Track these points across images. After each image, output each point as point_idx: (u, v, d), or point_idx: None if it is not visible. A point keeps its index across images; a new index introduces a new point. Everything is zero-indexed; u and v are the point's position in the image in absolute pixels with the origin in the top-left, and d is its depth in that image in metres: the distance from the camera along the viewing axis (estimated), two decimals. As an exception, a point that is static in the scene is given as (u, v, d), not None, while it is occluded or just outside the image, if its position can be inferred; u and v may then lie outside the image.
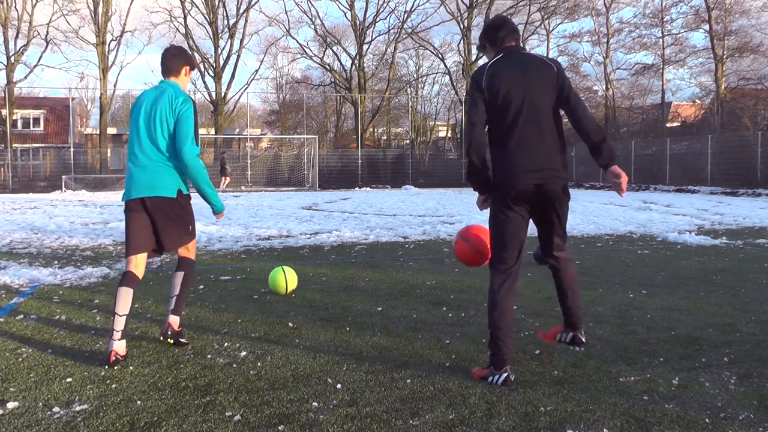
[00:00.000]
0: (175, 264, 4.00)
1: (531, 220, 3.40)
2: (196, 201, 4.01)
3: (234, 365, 3.49)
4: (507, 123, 3.22)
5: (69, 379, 3.24)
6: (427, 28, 55.75)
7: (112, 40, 35.97)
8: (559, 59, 40.44)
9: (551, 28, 41.18)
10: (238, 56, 38.79)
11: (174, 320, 3.82)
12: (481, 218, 12.32)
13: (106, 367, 3.43)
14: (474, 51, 39.67)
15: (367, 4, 41.11)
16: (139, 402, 2.94)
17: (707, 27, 33.29)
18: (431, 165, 38.74)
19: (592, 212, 14.36)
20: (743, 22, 33.64)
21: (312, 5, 47.11)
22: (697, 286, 5.76)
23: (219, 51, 37.48)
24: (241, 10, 38.09)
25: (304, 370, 3.41)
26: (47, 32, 34.35)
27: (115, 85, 39.38)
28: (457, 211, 15.14)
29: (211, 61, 37.43)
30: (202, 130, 38.68)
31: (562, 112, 3.38)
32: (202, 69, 37.83)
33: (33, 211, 15.26)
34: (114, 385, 3.16)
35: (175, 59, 3.82)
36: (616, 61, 46.81)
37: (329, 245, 8.79)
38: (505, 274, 3.29)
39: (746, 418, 2.78)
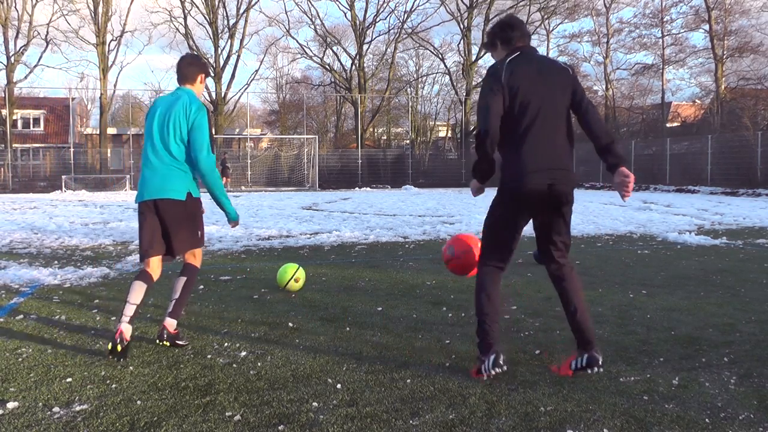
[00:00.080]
0: (179, 266, 4.03)
1: (534, 225, 3.37)
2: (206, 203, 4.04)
3: (234, 365, 3.49)
4: (523, 124, 3.19)
5: (69, 379, 3.24)
6: (427, 28, 55.79)
7: (112, 40, 36.05)
8: (559, 59, 40.47)
9: (551, 28, 41.22)
10: (238, 56, 38.86)
11: (170, 323, 3.82)
12: (483, 218, 12.33)
13: (110, 346, 3.53)
14: (474, 51, 39.71)
15: (367, 4, 41.16)
16: (139, 402, 2.94)
17: (707, 27, 33.31)
18: (431, 165, 38.76)
19: (592, 212, 14.36)
20: (743, 22, 33.71)
21: (312, 5, 47.15)
22: (697, 286, 5.76)
23: (219, 51, 37.51)
24: (241, 10, 38.14)
25: (304, 370, 3.41)
26: (47, 32, 34.42)
27: (115, 85, 39.47)
28: (457, 211, 15.14)
29: (211, 61, 37.42)
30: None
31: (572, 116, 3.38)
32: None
33: (33, 211, 15.26)
34: (114, 385, 3.16)
35: (190, 67, 3.95)
36: (616, 61, 46.82)
37: (329, 245, 8.79)
38: (494, 268, 3.36)
39: (746, 418, 2.78)
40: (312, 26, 42.13)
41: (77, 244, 8.91)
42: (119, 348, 3.51)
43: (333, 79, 43.69)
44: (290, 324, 4.38)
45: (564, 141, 3.26)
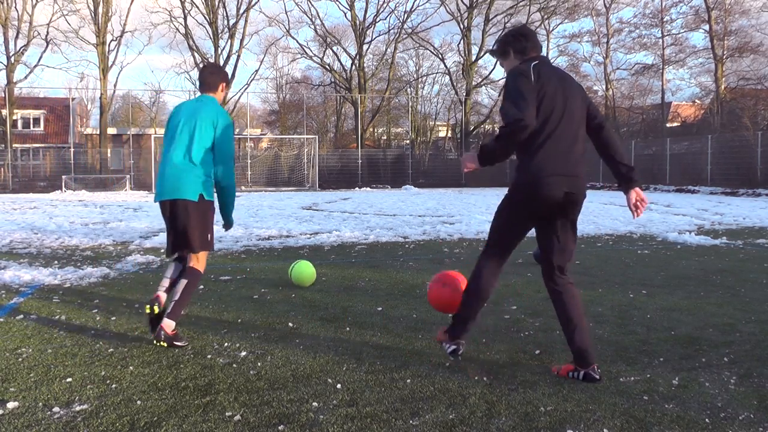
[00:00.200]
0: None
1: (538, 235, 3.36)
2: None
3: (234, 365, 3.49)
4: (546, 128, 3.15)
5: (69, 379, 3.24)
6: (427, 28, 55.78)
7: (112, 40, 36.00)
8: (559, 59, 40.57)
9: (551, 29, 41.17)
10: (238, 56, 38.81)
11: (167, 324, 3.81)
12: (483, 218, 12.33)
13: (147, 309, 3.88)
14: (474, 51, 39.72)
15: (367, 4, 41.13)
16: (139, 402, 2.94)
17: (707, 27, 33.31)
18: (431, 165, 38.74)
19: (592, 212, 14.36)
20: (743, 22, 33.71)
21: (312, 5, 47.06)
22: (697, 286, 5.76)
23: (219, 51, 37.47)
24: (241, 11, 38.09)
25: (304, 370, 3.41)
26: (47, 32, 34.37)
27: (115, 86, 39.41)
28: (457, 211, 15.14)
29: (212, 61, 37.42)
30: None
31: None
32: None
33: (33, 211, 15.26)
34: (114, 385, 3.16)
35: (212, 76, 4.18)
36: (616, 61, 46.85)
37: (329, 245, 8.79)
38: (494, 262, 3.38)
39: (746, 418, 2.78)
40: (312, 26, 42.14)
41: (77, 244, 8.91)
42: (156, 309, 3.88)
43: (333, 79, 43.68)
44: (290, 324, 4.39)
45: (582, 150, 3.27)
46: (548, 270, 3.32)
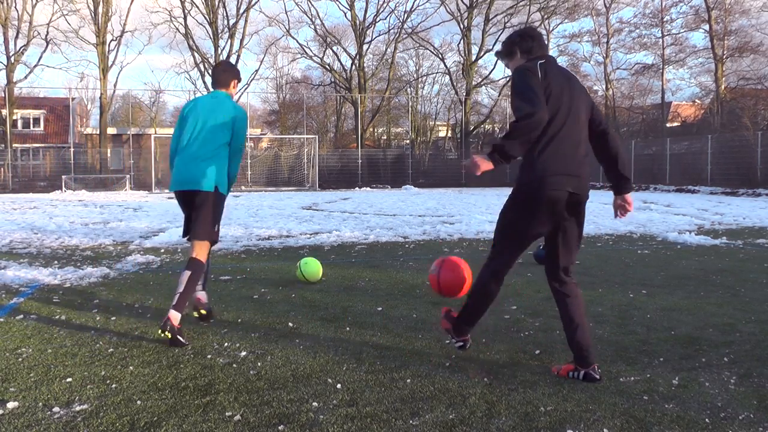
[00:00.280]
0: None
1: (545, 237, 3.34)
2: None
3: (234, 365, 3.49)
4: (552, 127, 3.12)
5: (69, 379, 3.24)
6: (427, 28, 55.82)
7: (112, 40, 36.00)
8: (559, 59, 40.49)
9: (551, 28, 41.17)
10: (238, 56, 38.78)
11: (174, 315, 3.83)
12: (483, 218, 12.33)
13: (195, 313, 4.30)
14: (474, 51, 39.71)
15: (367, 4, 41.16)
16: (139, 402, 2.94)
17: (707, 27, 33.31)
18: (431, 165, 38.75)
19: (592, 212, 14.35)
20: (743, 22, 33.71)
21: (312, 5, 47.04)
22: (697, 286, 5.76)
23: (219, 51, 37.47)
24: (241, 10, 38.12)
25: (304, 370, 3.41)
26: (47, 32, 34.38)
27: (115, 85, 39.35)
28: (457, 211, 15.15)
29: (211, 61, 37.42)
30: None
31: None
32: (203, 69, 37.88)
33: (33, 211, 15.26)
34: (114, 385, 3.16)
35: (225, 73, 4.35)
36: (616, 61, 46.87)
37: (329, 245, 8.79)
38: (501, 266, 3.36)
39: (746, 418, 2.78)
40: (312, 26, 42.16)
41: (77, 244, 8.91)
42: (202, 312, 4.38)
43: (333, 79, 43.68)
44: (290, 324, 4.39)
45: (586, 150, 3.26)
46: (553, 270, 3.32)
